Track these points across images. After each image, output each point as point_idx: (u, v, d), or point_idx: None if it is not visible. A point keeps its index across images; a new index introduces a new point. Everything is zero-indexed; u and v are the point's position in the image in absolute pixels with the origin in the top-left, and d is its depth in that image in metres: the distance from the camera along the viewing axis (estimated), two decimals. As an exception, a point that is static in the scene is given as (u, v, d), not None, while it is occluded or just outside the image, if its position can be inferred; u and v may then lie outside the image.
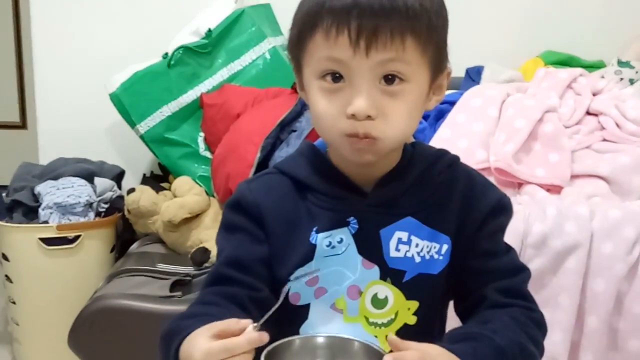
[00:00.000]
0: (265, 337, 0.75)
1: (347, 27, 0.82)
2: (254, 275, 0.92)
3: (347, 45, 0.83)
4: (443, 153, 0.99)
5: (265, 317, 0.79)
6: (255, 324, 0.76)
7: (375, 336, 0.93)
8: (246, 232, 0.95)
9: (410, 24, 0.84)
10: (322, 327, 0.93)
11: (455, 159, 0.99)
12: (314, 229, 0.93)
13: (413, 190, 0.95)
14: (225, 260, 0.93)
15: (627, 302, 1.51)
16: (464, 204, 0.96)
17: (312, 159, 0.97)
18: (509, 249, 0.99)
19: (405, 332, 0.93)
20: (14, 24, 3.78)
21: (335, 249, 0.93)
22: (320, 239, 0.93)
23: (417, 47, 0.85)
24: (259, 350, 0.77)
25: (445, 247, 0.95)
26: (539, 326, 0.93)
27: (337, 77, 0.86)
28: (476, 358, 0.82)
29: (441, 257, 0.95)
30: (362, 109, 0.84)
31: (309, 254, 0.93)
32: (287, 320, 0.93)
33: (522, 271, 0.98)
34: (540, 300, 1.52)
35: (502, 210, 0.98)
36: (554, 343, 1.51)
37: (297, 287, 0.93)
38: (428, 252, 0.94)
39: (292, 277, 0.90)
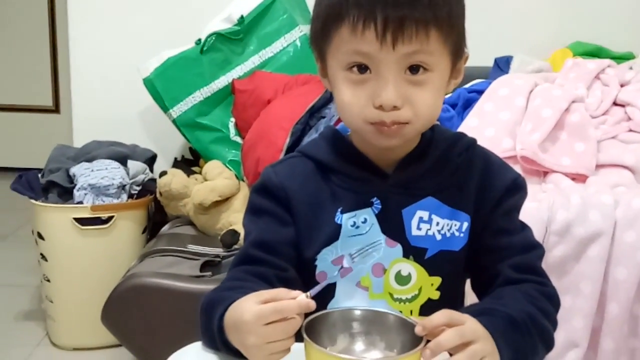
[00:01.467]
0: (313, 304, 0.77)
1: (374, 21, 0.83)
2: (281, 257, 0.94)
3: (374, 39, 0.84)
4: (461, 136, 1.01)
5: (317, 289, 0.81)
6: (306, 293, 0.79)
7: (400, 311, 0.94)
8: (272, 215, 0.96)
9: (434, 15, 0.85)
10: (348, 304, 0.94)
11: (473, 141, 1.01)
12: (339, 209, 0.95)
13: (433, 171, 0.97)
14: (253, 243, 0.95)
15: (649, 290, 1.52)
16: (481, 184, 0.97)
17: (334, 142, 0.98)
18: (524, 226, 1.00)
19: (429, 307, 0.94)
20: (48, 11, 3.82)
21: (359, 228, 0.95)
22: (345, 219, 0.95)
23: (440, 37, 0.87)
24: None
25: (465, 224, 0.96)
26: (551, 300, 0.94)
27: (363, 68, 0.87)
28: (493, 330, 0.82)
29: (462, 235, 0.96)
30: (390, 101, 0.85)
31: (335, 234, 0.95)
32: (315, 297, 0.95)
33: (536, 248, 0.99)
34: (562, 287, 1.56)
35: (517, 189, 0.99)
36: (575, 329, 1.53)
37: (323, 267, 0.95)
38: (449, 230, 0.96)
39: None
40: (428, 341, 0.78)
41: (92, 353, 2.17)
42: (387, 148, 0.93)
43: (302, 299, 0.77)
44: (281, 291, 0.79)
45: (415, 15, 0.84)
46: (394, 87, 0.86)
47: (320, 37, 0.92)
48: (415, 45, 0.85)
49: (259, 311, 0.76)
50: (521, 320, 0.87)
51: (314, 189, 0.97)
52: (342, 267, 0.95)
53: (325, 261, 0.95)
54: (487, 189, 0.97)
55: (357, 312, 0.85)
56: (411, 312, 0.96)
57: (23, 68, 3.91)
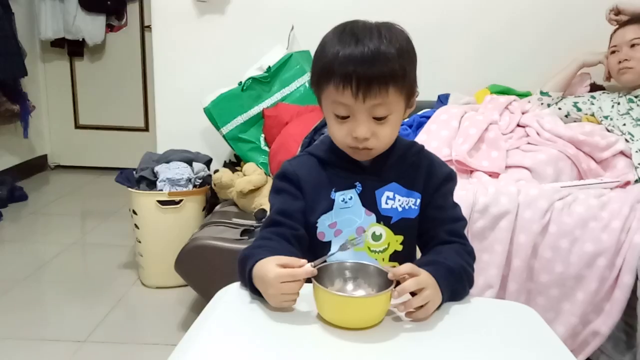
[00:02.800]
0: (315, 272, 0.79)
1: (350, 85, 0.85)
2: (295, 220, 0.94)
3: (350, 96, 0.86)
4: (414, 143, 1.02)
5: (319, 261, 0.81)
6: (312, 263, 0.80)
7: (375, 259, 0.96)
8: (289, 193, 0.96)
9: (392, 73, 0.86)
10: (340, 255, 0.94)
11: (422, 146, 1.02)
12: (333, 189, 0.95)
13: (395, 165, 0.97)
14: (276, 211, 0.95)
15: (540, 250, 1.51)
16: (427, 174, 0.98)
17: (330, 146, 0.98)
18: (455, 205, 1.00)
19: (396, 255, 0.96)
20: (141, 60, 3.83)
21: (347, 203, 0.95)
22: (337, 196, 0.95)
23: (396, 89, 0.88)
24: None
25: (418, 200, 0.97)
26: (471, 255, 0.96)
27: (343, 114, 0.89)
28: (437, 275, 0.84)
29: (415, 207, 0.97)
30: (362, 136, 0.88)
31: (330, 206, 0.95)
32: (317, 251, 0.95)
33: (462, 220, 1.00)
34: (482, 247, 1.56)
35: (451, 179, 1.00)
36: (491, 276, 1.53)
37: (322, 228, 0.96)
38: (407, 204, 0.96)
39: (348, 244, 0.87)
40: (398, 284, 0.79)
41: (169, 290, 2.17)
42: (360, 159, 0.95)
43: (308, 268, 0.79)
44: (293, 259, 0.81)
45: (379, 78, 0.85)
46: (365, 126, 0.88)
47: (316, 86, 0.93)
48: (378, 99, 0.86)
49: (279, 273, 0.78)
50: (455, 269, 0.88)
51: (315, 175, 0.97)
52: (335, 230, 0.96)
53: (323, 225, 0.95)
54: (431, 177, 0.98)
55: (348, 264, 0.85)
56: (383, 259, 0.96)
57: (125, 101, 3.91)
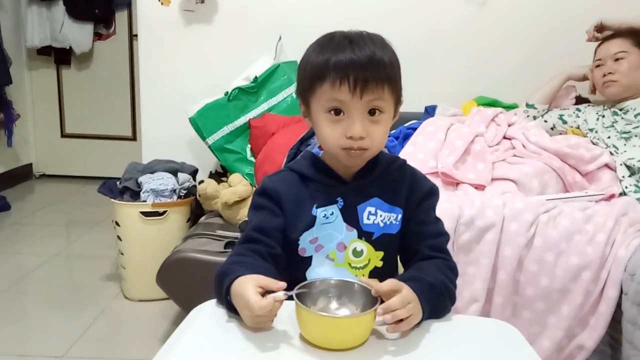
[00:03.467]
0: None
1: (347, 80, 0.85)
2: (272, 238, 0.92)
3: (347, 92, 0.85)
4: (396, 158, 1.00)
5: (289, 294, 0.78)
6: (286, 292, 0.77)
7: (356, 275, 0.94)
8: (268, 209, 0.94)
9: (386, 76, 0.87)
10: (319, 270, 0.93)
11: (404, 161, 1.00)
12: (315, 205, 0.94)
13: (377, 180, 0.96)
14: (253, 227, 0.93)
15: (525, 263, 1.50)
16: (409, 189, 0.97)
17: (311, 161, 0.97)
18: (437, 220, 0.99)
19: (376, 272, 0.95)
20: (129, 70, 3.81)
21: (328, 219, 0.93)
22: (319, 212, 0.93)
23: (389, 90, 0.88)
24: (291, 288, 0.78)
25: (399, 216, 0.96)
26: (453, 271, 0.95)
27: (338, 111, 0.87)
28: (418, 291, 0.82)
29: (397, 223, 0.96)
30: (358, 133, 0.86)
31: (312, 222, 0.93)
32: (298, 266, 0.94)
33: (444, 235, 0.98)
34: (468, 260, 1.54)
35: (433, 194, 0.99)
36: (476, 289, 1.51)
37: (304, 244, 0.94)
38: (388, 220, 0.95)
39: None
40: (381, 300, 0.78)
41: (152, 303, 2.14)
42: (353, 166, 0.93)
43: (279, 298, 0.76)
44: (272, 281, 0.78)
45: (375, 76, 0.86)
46: (361, 124, 0.87)
47: (307, 90, 0.90)
48: (374, 94, 0.86)
49: (261, 305, 0.75)
50: (437, 285, 0.87)
51: (296, 191, 0.95)
52: (316, 245, 0.94)
53: (304, 241, 0.93)
54: (413, 192, 0.97)
55: (332, 282, 0.83)
56: (363, 275, 0.95)
57: (112, 110, 3.87)
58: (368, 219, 0.94)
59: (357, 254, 0.94)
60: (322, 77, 0.86)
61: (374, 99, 0.86)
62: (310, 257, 0.94)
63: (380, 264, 0.95)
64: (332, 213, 0.93)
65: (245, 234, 0.94)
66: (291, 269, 0.91)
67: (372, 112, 0.87)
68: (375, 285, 0.79)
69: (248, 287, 0.77)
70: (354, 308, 0.81)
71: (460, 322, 0.88)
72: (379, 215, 0.94)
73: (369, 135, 0.87)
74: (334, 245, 0.93)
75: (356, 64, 0.84)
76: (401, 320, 0.78)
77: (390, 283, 0.80)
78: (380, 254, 0.95)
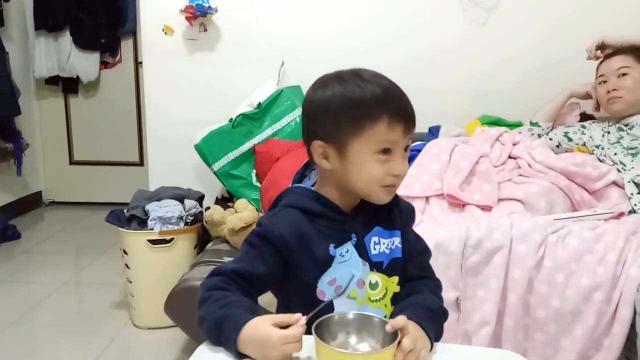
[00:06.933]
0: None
1: (403, 120, 0.85)
2: (251, 284, 0.87)
3: (400, 132, 0.85)
4: None
5: (311, 314, 0.79)
6: (305, 317, 0.78)
7: (378, 307, 0.93)
8: (260, 254, 0.87)
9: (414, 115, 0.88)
10: (342, 306, 0.90)
11: None
12: (332, 244, 0.90)
13: (375, 209, 0.94)
14: (234, 270, 0.87)
15: (535, 284, 1.47)
16: (399, 211, 0.98)
17: (311, 196, 0.93)
18: (418, 237, 1.02)
19: (397, 299, 0.95)
20: (135, 97, 3.84)
21: (344, 256, 0.90)
22: (337, 251, 0.90)
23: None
24: (309, 324, 0.77)
25: (399, 239, 0.96)
26: (440, 288, 0.99)
27: (387, 151, 0.86)
28: (421, 320, 0.84)
29: (400, 245, 0.96)
30: (405, 171, 0.88)
31: (329, 262, 0.89)
32: (319, 315, 0.87)
33: (428, 252, 1.01)
34: (477, 283, 1.52)
35: (414, 212, 1.02)
36: (487, 312, 1.48)
37: (322, 287, 0.90)
38: (392, 245, 0.95)
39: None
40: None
41: (160, 331, 2.12)
42: (384, 203, 0.91)
43: (302, 323, 0.77)
44: (288, 316, 0.78)
45: (414, 116, 0.88)
46: (405, 162, 0.89)
47: (349, 132, 0.85)
48: (411, 135, 0.88)
49: (282, 335, 0.76)
50: (435, 310, 0.90)
51: (303, 230, 0.89)
52: (335, 286, 0.90)
53: (323, 283, 0.90)
54: (402, 213, 0.98)
55: (350, 316, 0.81)
56: (385, 305, 0.94)
57: (120, 137, 3.90)
58: (374, 249, 0.93)
59: (373, 286, 0.92)
60: (376, 120, 0.84)
61: (409, 138, 0.88)
62: (331, 302, 0.89)
63: (397, 289, 0.95)
64: (347, 250, 0.91)
65: (230, 268, 0.88)
66: (308, 312, 0.83)
67: (405, 148, 0.89)
68: (391, 321, 0.79)
69: (266, 329, 0.76)
70: (374, 342, 0.79)
71: (471, 354, 0.87)
72: (382, 243, 0.93)
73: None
74: (354, 284, 0.90)
75: (408, 107, 0.86)
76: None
77: (402, 318, 0.79)
78: (395, 278, 0.94)
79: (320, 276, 0.89)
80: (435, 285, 0.97)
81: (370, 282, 0.92)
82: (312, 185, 0.97)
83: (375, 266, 0.92)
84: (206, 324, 0.83)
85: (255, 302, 0.88)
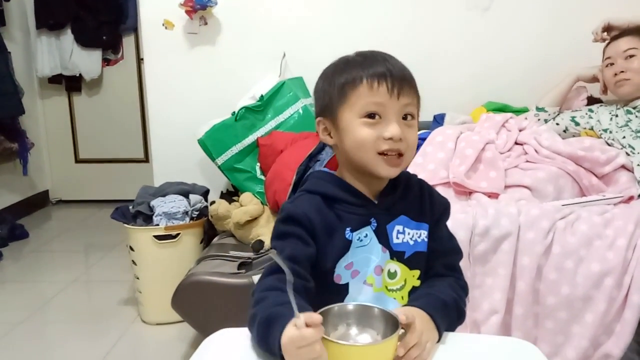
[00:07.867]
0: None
1: (385, 81, 0.84)
2: (305, 269, 0.85)
3: (385, 92, 0.84)
4: (412, 175, 0.98)
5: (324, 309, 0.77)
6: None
7: (394, 298, 0.90)
8: (298, 237, 0.85)
9: (415, 88, 0.88)
10: (358, 297, 0.88)
11: (420, 179, 0.98)
12: (348, 228, 0.88)
13: (402, 198, 0.93)
14: (286, 257, 0.81)
15: (544, 272, 1.46)
16: (431, 204, 0.95)
17: (331, 181, 0.92)
18: (451, 236, 0.97)
19: (414, 292, 0.92)
20: (138, 93, 3.83)
21: (362, 241, 0.88)
22: (354, 236, 0.88)
23: (416, 97, 0.88)
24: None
25: (426, 232, 0.93)
26: (464, 289, 0.95)
27: (373, 115, 0.85)
28: (432, 310, 0.83)
29: (426, 239, 0.93)
30: (397, 133, 0.84)
31: (347, 247, 0.88)
32: (332, 294, 0.87)
33: (458, 253, 0.97)
34: (485, 271, 1.51)
35: (448, 210, 0.98)
36: (496, 300, 1.47)
37: (339, 271, 0.88)
38: (418, 237, 0.92)
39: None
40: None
41: (169, 326, 2.12)
42: (389, 176, 0.89)
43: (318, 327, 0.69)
44: (309, 315, 0.70)
45: (409, 84, 0.86)
46: (398, 125, 0.85)
47: (335, 102, 0.87)
48: (409, 99, 0.86)
49: (291, 336, 0.70)
50: (449, 302, 0.87)
51: (325, 215, 0.88)
52: (352, 270, 0.89)
53: (340, 267, 0.88)
54: (433, 207, 0.95)
55: (350, 307, 0.80)
56: (402, 297, 0.91)
57: (124, 133, 3.90)
58: (397, 238, 0.90)
59: (391, 275, 0.90)
60: (356, 83, 0.85)
61: (408, 104, 0.86)
62: (347, 284, 0.88)
63: (417, 283, 0.92)
64: (366, 235, 0.89)
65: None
66: (324, 298, 0.82)
67: (405, 117, 0.86)
68: (402, 310, 0.79)
69: (285, 331, 0.71)
70: (375, 333, 0.77)
71: (479, 342, 0.86)
72: (407, 233, 0.91)
73: (405, 139, 0.85)
74: (371, 269, 0.88)
75: (392, 69, 0.85)
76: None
77: (413, 310, 0.79)
78: (417, 272, 0.92)
79: (338, 260, 0.87)
80: (460, 286, 0.93)
81: (389, 270, 0.90)
82: None
83: (396, 255, 0.90)
84: (257, 323, 0.78)
85: (312, 287, 0.85)
